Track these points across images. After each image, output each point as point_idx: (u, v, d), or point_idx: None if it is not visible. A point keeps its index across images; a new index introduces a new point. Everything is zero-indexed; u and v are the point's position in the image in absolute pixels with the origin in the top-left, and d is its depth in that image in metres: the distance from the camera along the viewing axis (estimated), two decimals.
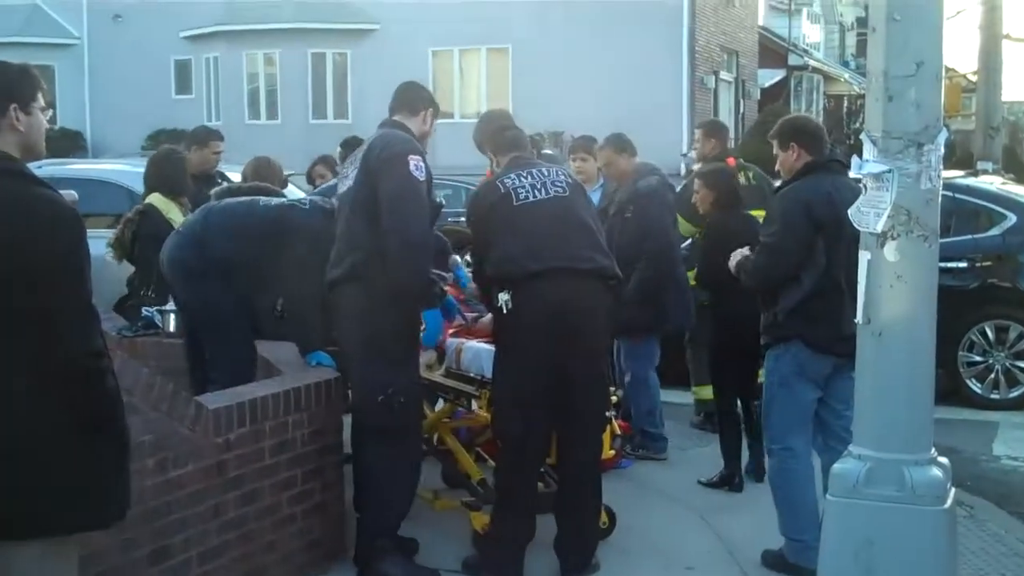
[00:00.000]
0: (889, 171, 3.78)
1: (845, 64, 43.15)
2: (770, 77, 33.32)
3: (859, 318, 3.90)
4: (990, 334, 9.08)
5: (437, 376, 5.85)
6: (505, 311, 4.98)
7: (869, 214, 3.86)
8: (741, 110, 30.93)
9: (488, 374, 5.35)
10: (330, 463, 5.19)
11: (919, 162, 3.77)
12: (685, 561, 5.36)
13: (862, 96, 40.08)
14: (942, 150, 3.82)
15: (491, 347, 5.37)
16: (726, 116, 29.63)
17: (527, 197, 5.12)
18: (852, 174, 4.05)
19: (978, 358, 9.09)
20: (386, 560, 5.05)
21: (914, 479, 3.81)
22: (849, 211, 3.97)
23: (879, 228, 3.81)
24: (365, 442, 5.11)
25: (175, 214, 7.33)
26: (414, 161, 4.93)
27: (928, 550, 3.81)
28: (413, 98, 5.36)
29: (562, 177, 5.28)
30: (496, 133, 5.62)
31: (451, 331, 5.85)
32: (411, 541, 5.33)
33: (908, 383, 3.86)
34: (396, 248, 4.82)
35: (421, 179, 4.93)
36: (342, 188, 5.25)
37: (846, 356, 4.61)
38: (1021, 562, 5.48)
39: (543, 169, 5.30)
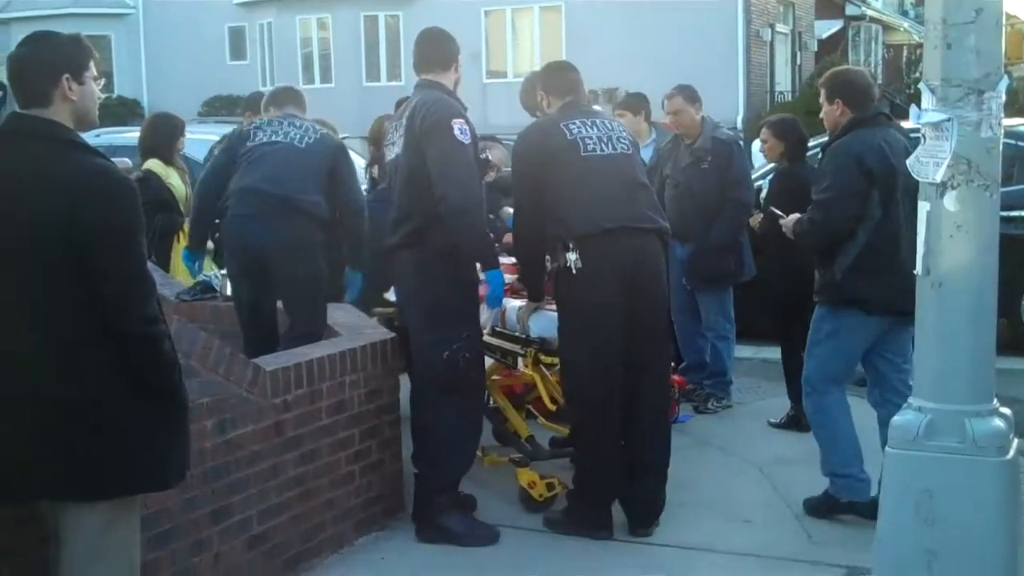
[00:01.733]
0: (948, 120, 3.70)
1: (904, 13, 42.33)
2: (827, 28, 32.75)
3: (918, 269, 3.84)
4: None
5: (484, 336, 5.78)
6: (574, 271, 4.90)
7: (928, 164, 3.78)
8: (798, 62, 30.48)
9: (532, 332, 5.41)
10: (387, 422, 5.23)
11: (979, 110, 3.68)
12: (743, 514, 5.34)
13: (921, 46, 39.20)
14: (1003, 98, 3.73)
15: (526, 303, 5.42)
16: (782, 69, 29.27)
17: (595, 149, 5.04)
18: (911, 123, 3.99)
19: None
20: (446, 515, 5.08)
21: (975, 430, 3.74)
22: (908, 161, 3.89)
23: (939, 178, 3.73)
24: (428, 400, 5.11)
25: (175, 179, 7.42)
26: (458, 125, 4.95)
27: (990, 501, 3.74)
28: (440, 53, 5.29)
29: (625, 132, 5.23)
30: (552, 73, 5.41)
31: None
32: (469, 497, 5.37)
33: (968, 333, 3.79)
34: (451, 213, 4.87)
35: (467, 142, 4.97)
36: (390, 155, 5.29)
37: (905, 313, 4.49)
38: None
39: (606, 121, 5.21)
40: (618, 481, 5.07)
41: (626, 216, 4.96)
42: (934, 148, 3.77)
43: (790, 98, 27.59)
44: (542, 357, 5.48)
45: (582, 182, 4.97)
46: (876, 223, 5.04)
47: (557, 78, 5.37)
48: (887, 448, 3.90)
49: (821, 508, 5.25)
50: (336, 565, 4.77)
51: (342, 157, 6.00)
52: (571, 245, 4.90)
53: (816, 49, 31.80)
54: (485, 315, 5.73)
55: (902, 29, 38.60)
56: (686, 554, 4.90)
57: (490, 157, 5.32)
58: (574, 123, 5.08)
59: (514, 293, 5.79)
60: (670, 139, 7.44)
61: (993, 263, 3.80)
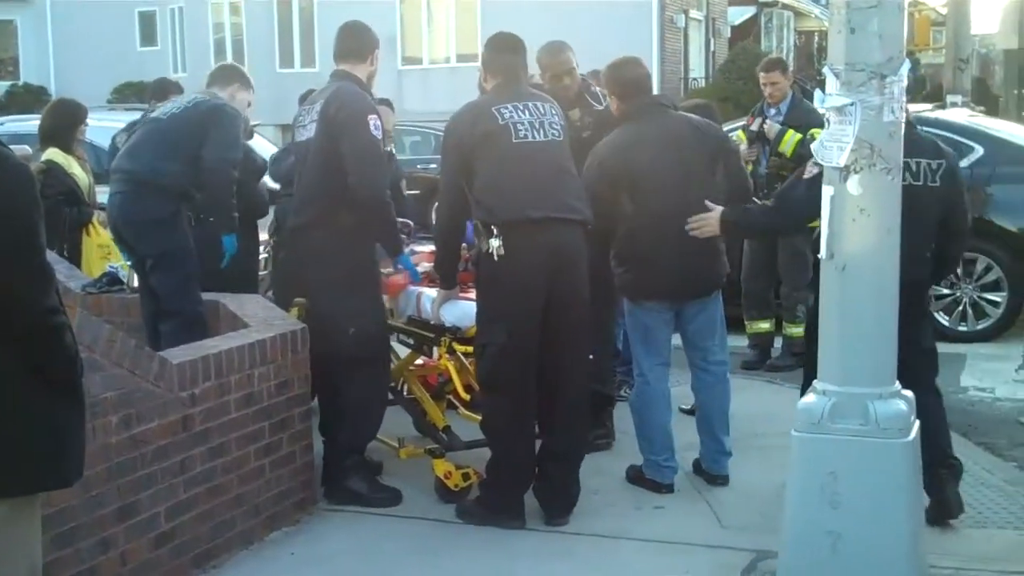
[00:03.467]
0: (852, 104, 3.76)
1: (816, 0, 42.92)
2: (740, 14, 33.10)
3: (822, 253, 3.88)
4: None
5: (399, 323, 5.83)
6: (496, 257, 4.88)
7: (832, 148, 3.83)
8: (712, 48, 30.75)
9: (447, 321, 5.40)
10: (297, 414, 5.17)
11: (882, 94, 3.74)
12: (654, 500, 5.36)
13: None
14: (905, 82, 3.79)
15: (439, 291, 5.42)
16: (696, 55, 29.49)
17: (526, 136, 4.99)
18: (816, 107, 4.04)
19: (946, 291, 9.08)
20: (354, 478, 5.32)
21: (878, 412, 3.82)
22: (812, 146, 3.95)
23: (842, 162, 3.79)
24: (336, 372, 5.30)
25: (76, 168, 7.31)
26: (373, 121, 5.23)
27: (893, 482, 3.82)
28: (358, 45, 5.52)
29: (557, 117, 5.15)
30: (491, 50, 5.33)
31: (410, 280, 5.76)
32: (376, 463, 5.61)
33: (873, 317, 3.85)
34: (366, 201, 5.20)
35: (380, 137, 5.27)
36: (301, 137, 5.50)
37: (673, 298, 5.38)
38: (989, 493, 5.51)
39: (539, 105, 5.12)
40: (531, 469, 5.06)
41: (552, 206, 4.93)
42: (838, 132, 3.82)
43: (704, 84, 27.82)
44: (456, 346, 5.47)
45: (510, 169, 4.94)
46: (629, 217, 5.29)
47: (494, 59, 5.29)
48: (793, 431, 3.95)
49: (632, 476, 5.55)
50: (246, 561, 4.71)
51: (212, 117, 5.94)
52: (495, 231, 4.88)
53: (729, 35, 32.10)
54: (401, 304, 5.76)
55: (813, 16, 39.11)
56: (598, 542, 4.90)
57: (380, 121, 5.28)
58: (506, 107, 5.02)
59: (430, 282, 5.77)
60: None
61: (895, 246, 3.86)
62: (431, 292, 5.60)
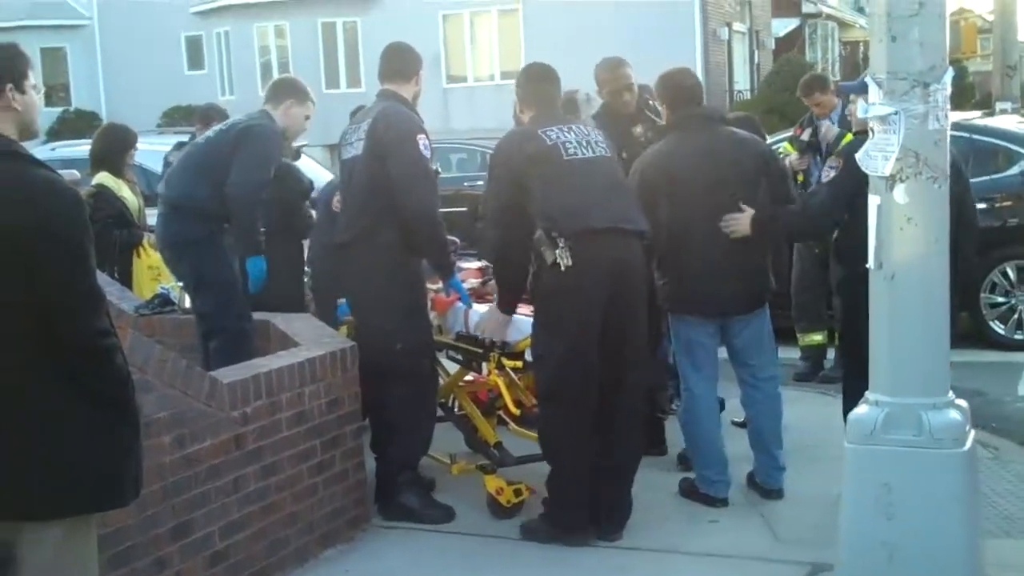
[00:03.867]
0: (895, 113, 3.74)
1: (860, 10, 42.64)
2: (784, 26, 33.01)
3: (871, 263, 3.86)
4: (1012, 275, 8.98)
5: (447, 339, 5.86)
6: (563, 268, 4.83)
7: (877, 157, 3.81)
8: (756, 60, 30.67)
9: (497, 338, 5.40)
10: (349, 432, 5.20)
11: (926, 102, 3.72)
12: (709, 515, 5.34)
13: None
14: (948, 89, 3.76)
15: (492, 308, 5.40)
16: (741, 67, 29.42)
17: (576, 153, 5.02)
18: (859, 116, 4.02)
19: (1000, 299, 9.01)
20: (406, 494, 5.36)
21: (932, 423, 3.78)
22: (857, 156, 3.93)
23: (888, 171, 3.77)
24: (386, 387, 5.33)
25: (126, 192, 7.41)
26: (423, 141, 5.30)
27: (948, 493, 3.78)
28: (403, 65, 5.61)
29: (601, 137, 5.20)
30: (526, 83, 5.38)
31: (457, 298, 5.78)
32: (429, 479, 5.62)
33: (923, 326, 3.82)
34: (415, 221, 5.28)
35: (429, 157, 5.33)
36: (347, 155, 5.55)
37: (706, 313, 5.38)
38: None
39: (581, 127, 5.19)
40: (588, 484, 5.02)
41: (612, 217, 4.94)
42: (882, 142, 3.80)
43: (749, 96, 27.74)
44: (505, 361, 5.46)
45: (568, 183, 4.94)
46: (668, 228, 5.30)
47: (530, 89, 5.34)
48: (846, 443, 3.92)
49: (685, 489, 5.55)
50: None
51: (241, 138, 5.93)
52: (561, 243, 4.84)
53: (774, 47, 32.00)
54: (450, 320, 5.81)
55: (858, 26, 38.91)
56: (654, 556, 4.88)
57: (429, 141, 5.35)
58: (551, 130, 5.06)
59: (479, 298, 5.78)
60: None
61: (944, 254, 3.83)
62: (480, 308, 5.62)
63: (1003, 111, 14.94)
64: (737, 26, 28.92)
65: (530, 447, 5.44)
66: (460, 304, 5.75)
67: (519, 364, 5.41)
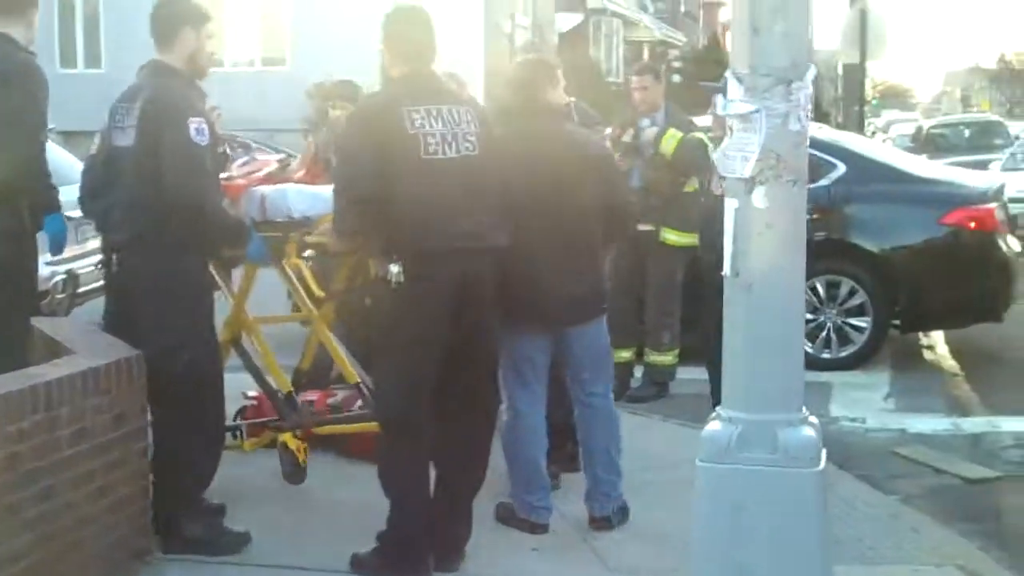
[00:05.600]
0: (757, 111, 3.85)
1: (644, 8, 44.02)
2: (568, 21, 33.69)
3: (726, 270, 3.97)
4: (820, 290, 9.38)
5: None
6: (394, 284, 4.74)
7: (736, 158, 3.91)
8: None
9: (296, 213, 5.54)
10: (134, 451, 5.02)
11: (787, 101, 3.83)
12: (530, 542, 5.40)
13: (662, 43, 41.08)
14: (810, 88, 3.91)
15: (298, 186, 5.60)
16: None
17: (436, 151, 4.79)
18: (718, 113, 4.15)
19: (809, 316, 9.39)
20: (191, 522, 5.20)
21: (787, 441, 3.91)
22: (714, 156, 4.05)
23: (747, 173, 3.87)
24: (168, 404, 5.14)
25: None
26: (195, 125, 5.05)
27: (802, 513, 3.92)
28: (166, 27, 5.28)
29: (473, 127, 4.94)
30: (397, 23, 5.03)
31: (252, 181, 5.85)
32: (219, 506, 5.44)
33: (780, 339, 3.96)
34: (187, 218, 5.04)
35: (204, 143, 5.08)
36: (119, 142, 5.28)
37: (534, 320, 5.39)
38: (875, 525, 5.74)
39: (453, 110, 4.91)
40: (429, 517, 4.97)
41: (462, 235, 4.79)
42: (741, 141, 3.90)
43: None
44: (308, 239, 5.49)
45: (416, 192, 4.74)
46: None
47: (403, 34, 5.00)
48: (698, 461, 4.03)
49: (502, 515, 5.58)
50: None
51: None
52: (395, 256, 4.74)
53: (557, 42, 32.63)
54: (244, 206, 5.76)
55: (642, 25, 40.17)
56: None
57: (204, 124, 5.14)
58: (418, 111, 4.79)
59: (273, 181, 5.91)
60: None
61: (802, 262, 3.99)
62: (276, 187, 5.72)
63: None
64: (520, 19, 29.37)
65: None
66: (255, 189, 5.74)
67: (324, 241, 5.41)
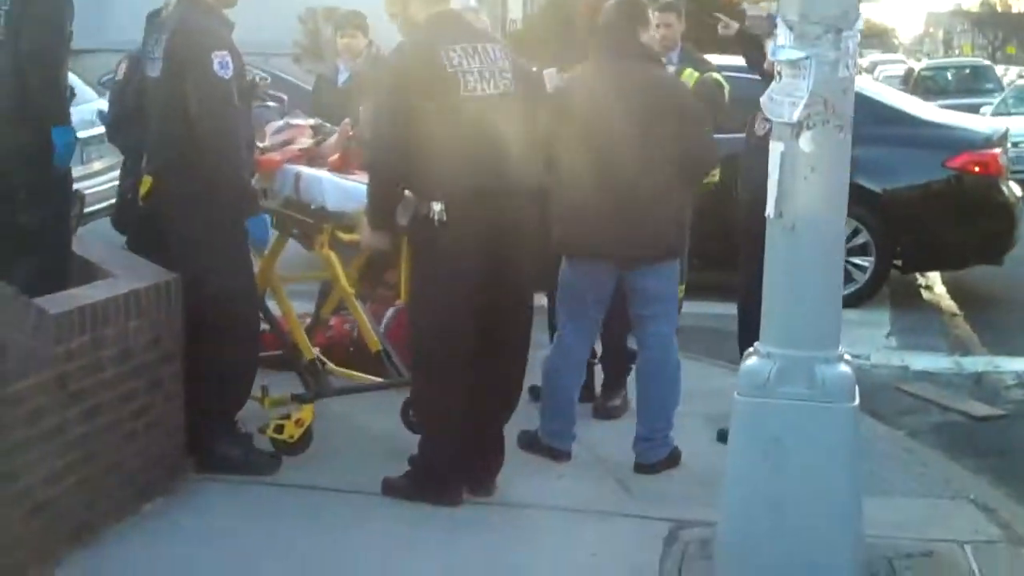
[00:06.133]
0: (806, 58, 3.94)
1: None
2: None
3: (770, 211, 4.07)
4: None
5: (273, 204, 5.72)
6: (436, 223, 4.77)
7: (783, 103, 4.01)
8: None
9: (330, 205, 5.39)
10: (169, 373, 5.11)
11: (837, 49, 3.93)
12: (555, 469, 5.52)
13: None
14: (859, 37, 4.00)
15: (334, 176, 5.43)
16: None
17: (475, 88, 4.82)
18: (770, 59, 4.23)
19: None
20: (225, 444, 5.30)
21: (825, 377, 4.04)
22: (761, 99, 4.13)
23: (796, 117, 3.97)
24: (203, 331, 5.20)
25: None
26: (218, 59, 5.06)
27: (838, 448, 4.07)
28: None
29: (508, 63, 4.97)
30: None
31: (287, 157, 5.68)
32: (246, 433, 5.51)
33: (819, 279, 4.07)
34: (208, 154, 5.08)
35: (227, 77, 5.09)
36: (152, 72, 5.33)
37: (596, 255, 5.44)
38: (885, 459, 5.85)
39: (488, 48, 4.94)
40: (462, 445, 5.04)
41: (499, 175, 4.82)
42: (790, 86, 4.00)
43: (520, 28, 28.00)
44: (340, 234, 5.41)
45: (456, 131, 4.76)
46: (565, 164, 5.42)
47: None
48: (736, 395, 4.15)
49: (526, 442, 5.64)
50: (128, 533, 4.64)
51: None
52: (437, 198, 4.78)
53: None
54: (278, 183, 5.69)
55: None
56: (510, 512, 5.03)
57: (229, 58, 5.09)
58: (454, 49, 4.82)
59: (311, 160, 5.69)
60: None
61: (843, 206, 4.09)
62: (312, 171, 5.52)
63: None
64: None
65: None
66: (290, 166, 5.60)
67: (356, 237, 5.36)
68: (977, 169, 9.45)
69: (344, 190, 5.39)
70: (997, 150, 9.67)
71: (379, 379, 5.92)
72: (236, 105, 5.17)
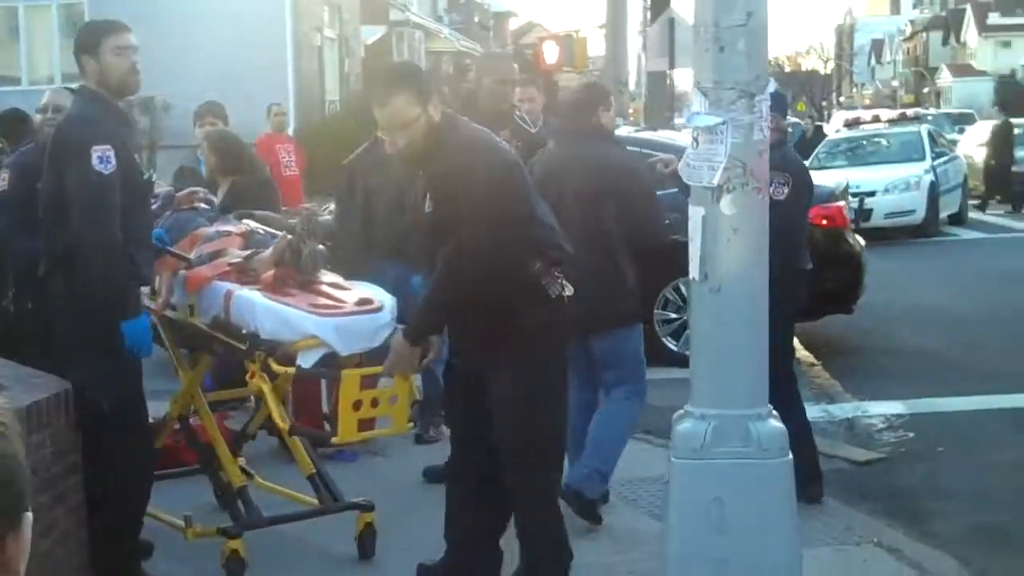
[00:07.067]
0: (723, 123, 4.04)
1: (439, 19, 44.29)
2: (372, 33, 33.68)
3: (695, 274, 4.14)
4: (684, 291, 9.65)
5: (200, 323, 5.28)
6: (564, 296, 4.66)
7: (702, 168, 4.10)
8: (346, 69, 31.09)
9: (263, 332, 4.90)
10: (73, 484, 4.90)
11: (751, 112, 4.05)
12: None
13: (461, 53, 41.37)
14: (769, 101, 4.12)
15: (269, 300, 4.96)
16: (332, 75, 29.73)
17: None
18: (686, 124, 4.32)
19: (673, 315, 9.69)
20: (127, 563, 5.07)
21: (760, 433, 4.10)
22: (678, 167, 4.21)
23: (715, 181, 4.06)
24: (98, 443, 4.97)
25: None
26: (98, 153, 4.82)
27: (778, 502, 4.13)
28: (83, 40, 5.09)
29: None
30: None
31: (218, 273, 5.23)
32: (146, 544, 5.32)
33: (747, 337, 4.14)
34: (83, 252, 4.86)
35: (107, 172, 4.83)
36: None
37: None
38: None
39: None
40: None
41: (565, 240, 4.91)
42: (708, 152, 4.09)
43: (339, 108, 28.08)
44: (273, 365, 4.92)
45: (538, 203, 4.79)
46: None
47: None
48: (672, 458, 4.17)
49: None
50: None
51: None
52: (558, 271, 4.66)
53: (363, 55, 32.59)
54: (205, 301, 5.25)
55: (442, 36, 40.39)
56: None
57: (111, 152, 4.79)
58: (496, 136, 4.89)
59: (240, 275, 5.21)
60: None
61: (765, 265, 4.18)
62: (246, 292, 5.06)
63: (616, 125, 16.09)
64: (327, 32, 29.21)
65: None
66: (220, 283, 5.15)
67: (291, 371, 4.95)
68: (824, 222, 9.75)
69: (280, 316, 4.93)
70: (841, 203, 10.04)
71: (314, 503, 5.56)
72: (114, 202, 4.86)
